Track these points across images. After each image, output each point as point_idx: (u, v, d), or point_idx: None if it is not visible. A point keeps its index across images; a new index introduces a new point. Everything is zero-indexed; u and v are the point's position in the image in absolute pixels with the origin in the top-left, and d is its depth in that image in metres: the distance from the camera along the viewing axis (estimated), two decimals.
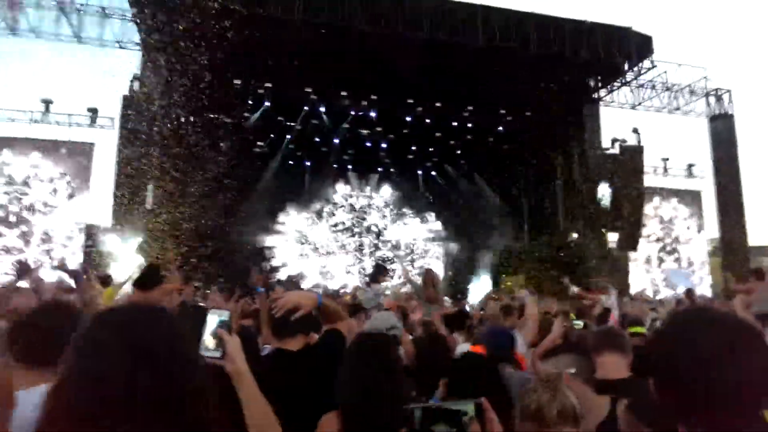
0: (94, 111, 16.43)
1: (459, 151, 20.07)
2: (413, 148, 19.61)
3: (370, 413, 1.82)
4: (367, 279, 7.58)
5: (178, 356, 1.01)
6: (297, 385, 2.18)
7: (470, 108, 17.96)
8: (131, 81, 15.02)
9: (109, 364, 0.94)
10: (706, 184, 20.92)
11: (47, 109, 16.24)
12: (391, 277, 8.35)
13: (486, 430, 1.18)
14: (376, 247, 19.75)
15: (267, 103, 16.82)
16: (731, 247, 18.96)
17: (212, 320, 1.69)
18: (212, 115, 14.92)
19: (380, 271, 7.07)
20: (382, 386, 1.85)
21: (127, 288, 8.49)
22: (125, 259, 12.96)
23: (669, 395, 1.05)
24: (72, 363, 0.98)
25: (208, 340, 1.70)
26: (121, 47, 15.31)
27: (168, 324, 1.06)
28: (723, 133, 19.83)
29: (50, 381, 1.69)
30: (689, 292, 10.34)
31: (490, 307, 7.71)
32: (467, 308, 8.32)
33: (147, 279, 5.18)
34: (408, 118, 18.16)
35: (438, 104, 17.37)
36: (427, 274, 7.16)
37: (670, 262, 19.69)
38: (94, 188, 15.90)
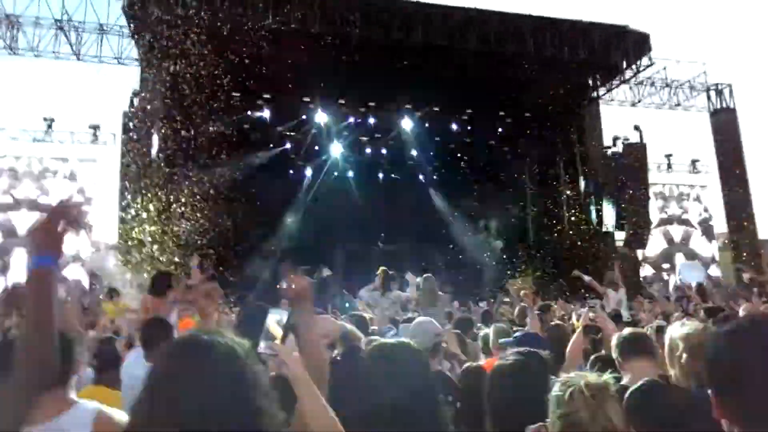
0: (95, 127, 16.57)
1: (459, 154, 20.01)
2: (413, 153, 19.57)
3: None
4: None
5: (246, 379, 1.09)
6: None
7: (469, 111, 17.94)
8: (131, 97, 15.13)
9: (196, 398, 1.00)
10: (711, 179, 20.79)
11: (50, 127, 16.38)
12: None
13: None
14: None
15: (267, 113, 16.88)
16: (741, 240, 18.75)
17: (272, 318, 1.75)
18: (212, 128, 14.97)
19: (392, 279, 7.06)
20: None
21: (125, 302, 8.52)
22: (129, 276, 12.98)
23: (732, 406, 1.03)
24: (158, 393, 1.05)
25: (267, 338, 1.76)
26: (120, 63, 15.45)
27: (230, 348, 1.11)
28: (726, 128, 19.71)
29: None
30: (699, 288, 10.20)
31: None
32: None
33: (159, 285, 5.18)
34: (407, 123, 18.14)
35: (436, 109, 17.36)
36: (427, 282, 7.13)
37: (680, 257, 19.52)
38: (97, 204, 15.97)
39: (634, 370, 2.59)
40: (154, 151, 14.12)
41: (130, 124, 14.73)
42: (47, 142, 16.47)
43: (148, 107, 14.45)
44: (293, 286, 1.87)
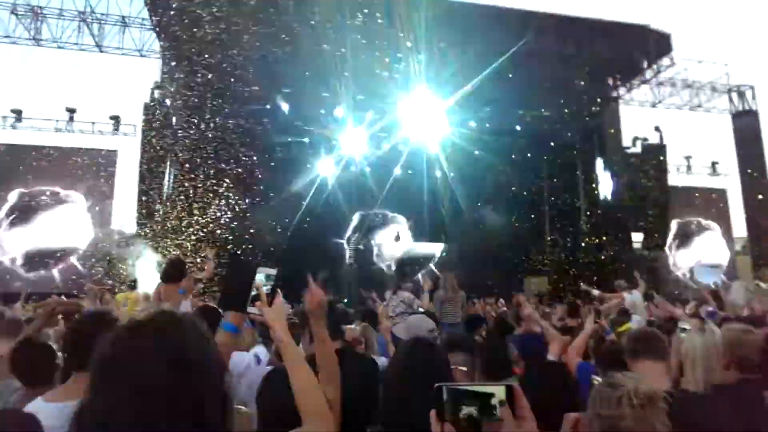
0: (116, 119, 16.72)
1: (477, 152, 19.91)
2: (431, 150, 19.52)
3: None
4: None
5: (211, 365, 1.02)
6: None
7: (487, 109, 17.84)
8: (152, 89, 15.26)
9: (151, 378, 0.93)
10: (731, 182, 20.52)
11: (71, 118, 16.55)
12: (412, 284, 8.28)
13: (516, 415, 1.06)
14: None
15: (286, 108, 16.91)
16: (761, 244, 18.52)
17: (260, 278, 1.69)
18: (231, 122, 15.05)
19: (404, 279, 7.10)
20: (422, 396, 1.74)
21: (144, 291, 8.60)
22: (149, 264, 13.11)
23: None
24: (109, 375, 0.96)
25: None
26: (141, 56, 15.58)
27: (198, 332, 1.06)
28: (747, 130, 19.46)
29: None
30: (715, 291, 10.05)
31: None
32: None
33: (172, 272, 5.25)
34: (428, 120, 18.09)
35: (456, 105, 17.28)
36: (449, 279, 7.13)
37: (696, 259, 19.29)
38: (118, 194, 16.14)
39: (642, 371, 2.48)
40: (173, 143, 14.24)
41: (151, 115, 14.85)
42: (69, 132, 16.65)
43: (169, 100, 14.59)
44: (311, 298, 1.87)
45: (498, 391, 1.08)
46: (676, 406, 2.07)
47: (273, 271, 1.72)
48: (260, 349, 3.92)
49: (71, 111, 16.59)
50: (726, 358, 2.60)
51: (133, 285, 9.53)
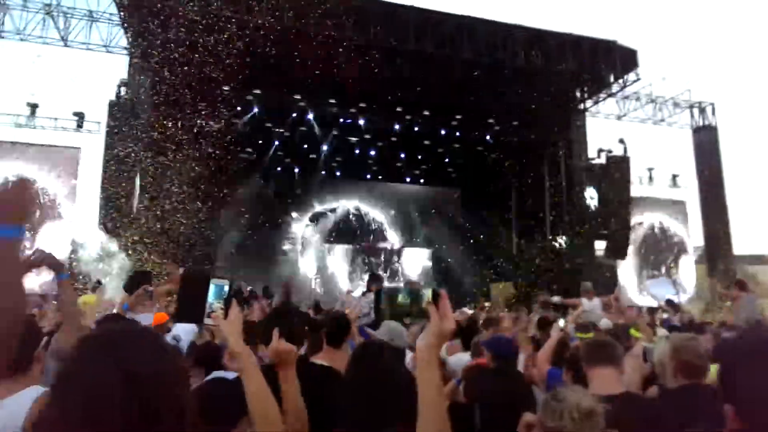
0: (80, 115, 16.30)
1: (447, 160, 20.16)
2: (402, 155, 19.67)
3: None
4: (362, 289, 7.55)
5: (168, 377, 1.02)
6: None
7: (458, 117, 18.07)
8: (118, 86, 14.92)
9: (105, 390, 0.94)
10: (690, 194, 21.23)
11: (33, 113, 16.07)
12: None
13: (440, 314, 1.30)
14: (368, 255, 19.78)
15: (255, 110, 16.79)
16: (716, 254, 19.19)
17: (213, 289, 1.72)
18: (199, 122, 14.84)
19: (373, 281, 7.09)
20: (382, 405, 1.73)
21: (110, 296, 8.44)
22: (111, 264, 12.83)
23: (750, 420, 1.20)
24: (65, 388, 0.97)
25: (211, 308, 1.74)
26: (108, 51, 15.23)
27: (156, 344, 1.07)
28: (707, 145, 20.16)
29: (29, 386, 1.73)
30: (670, 302, 10.43)
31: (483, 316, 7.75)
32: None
33: (132, 284, 5.20)
34: (396, 127, 18.22)
35: (426, 113, 17.46)
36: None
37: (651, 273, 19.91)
38: (81, 193, 15.75)
39: (598, 378, 2.62)
40: (139, 143, 13.96)
41: (116, 113, 14.52)
42: (30, 127, 16.16)
43: (135, 98, 14.30)
44: (276, 350, 1.83)
45: (427, 293, 1.33)
46: (623, 408, 2.18)
47: (225, 283, 1.76)
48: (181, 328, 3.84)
49: (33, 106, 16.12)
50: (672, 364, 2.72)
51: (96, 287, 9.30)
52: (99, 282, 9.17)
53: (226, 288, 1.75)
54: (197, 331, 4.23)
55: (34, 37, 14.92)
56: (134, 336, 1.06)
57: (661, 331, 6.60)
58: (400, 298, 1.35)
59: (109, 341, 1.03)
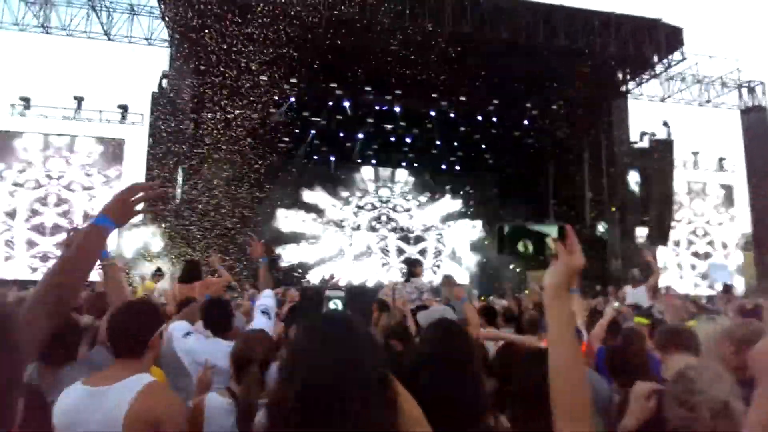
0: (124, 108, 16.75)
1: (484, 146, 19.93)
2: (438, 142, 19.55)
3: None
4: (402, 275, 7.53)
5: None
6: None
7: (495, 102, 17.81)
8: (160, 78, 15.24)
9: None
10: (738, 178, 20.46)
11: (79, 106, 16.59)
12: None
13: (567, 250, 1.26)
14: (405, 241, 19.82)
15: (292, 99, 16.91)
16: (764, 241, 18.50)
17: (329, 303, 1.76)
18: (238, 111, 15.06)
19: (416, 265, 7.07)
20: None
21: (165, 284, 8.68)
22: (154, 255, 13.19)
23: None
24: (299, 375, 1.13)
25: None
26: (149, 44, 15.54)
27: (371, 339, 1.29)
28: (756, 126, 19.33)
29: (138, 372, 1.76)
30: (727, 288, 10.12)
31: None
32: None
33: (188, 274, 5.36)
34: (432, 113, 18.10)
35: (463, 98, 17.25)
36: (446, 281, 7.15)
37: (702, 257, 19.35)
38: (125, 183, 16.20)
39: (674, 363, 2.52)
40: (181, 134, 14.27)
41: (159, 105, 14.85)
42: (77, 120, 16.70)
43: (177, 89, 14.58)
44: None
45: (552, 230, 1.28)
46: None
47: (341, 293, 1.80)
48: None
49: (79, 99, 16.62)
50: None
51: (157, 273, 9.43)
52: (159, 270, 9.41)
53: (342, 297, 1.82)
54: None
55: (79, 32, 15.33)
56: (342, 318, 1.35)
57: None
58: (528, 238, 1.30)
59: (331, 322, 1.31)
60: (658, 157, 17.99)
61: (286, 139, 17.33)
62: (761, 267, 17.85)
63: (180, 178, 14.43)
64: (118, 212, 1.43)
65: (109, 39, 15.56)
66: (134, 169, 16.15)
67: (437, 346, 1.90)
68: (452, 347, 1.86)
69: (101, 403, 1.79)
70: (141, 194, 1.48)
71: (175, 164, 13.93)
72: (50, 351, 2.24)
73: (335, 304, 1.82)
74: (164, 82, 15.05)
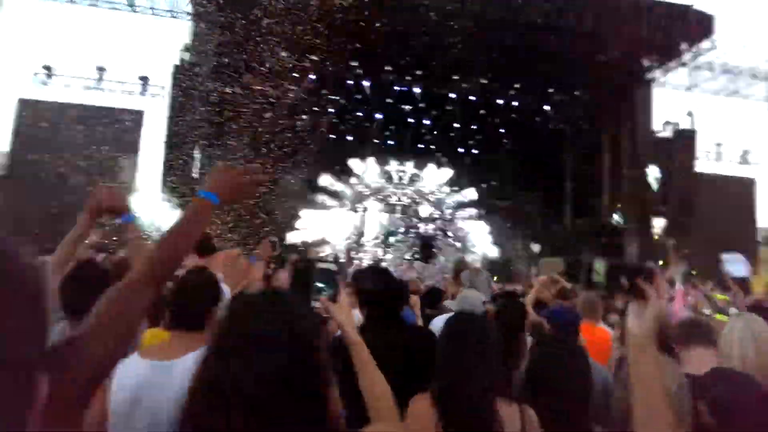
0: (145, 79, 16.81)
1: (503, 130, 19.73)
2: (456, 125, 19.39)
3: (462, 398, 1.78)
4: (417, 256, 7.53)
5: (318, 343, 1.02)
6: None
7: (517, 86, 17.58)
8: (182, 51, 15.25)
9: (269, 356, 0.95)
10: (762, 172, 20.08)
11: (101, 77, 16.68)
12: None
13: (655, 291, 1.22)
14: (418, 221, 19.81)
15: (312, 77, 16.81)
16: None
17: (320, 275, 1.68)
18: (258, 87, 15.02)
19: (433, 246, 7.11)
20: (476, 370, 1.80)
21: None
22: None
23: None
24: (226, 351, 0.99)
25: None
26: (173, 17, 15.53)
27: (309, 311, 1.10)
28: None
29: (201, 346, 1.78)
30: (743, 282, 9.95)
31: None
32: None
33: (205, 246, 5.41)
34: (452, 95, 17.92)
35: (483, 81, 17.04)
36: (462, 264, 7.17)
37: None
38: (143, 156, 16.36)
39: (695, 359, 2.50)
40: (201, 108, 14.31)
41: (180, 78, 14.88)
42: (98, 90, 16.81)
43: (198, 63, 14.58)
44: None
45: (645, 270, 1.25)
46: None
47: (333, 266, 1.73)
48: None
49: (101, 70, 16.71)
50: None
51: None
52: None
53: (334, 272, 1.68)
54: None
55: (103, 1, 15.36)
56: (289, 303, 1.07)
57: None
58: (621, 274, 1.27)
59: (255, 305, 1.06)
60: (681, 147, 17.69)
61: (305, 117, 17.28)
62: None
63: (198, 155, 14.51)
64: (226, 191, 1.37)
65: (133, 10, 15.58)
66: (153, 141, 16.28)
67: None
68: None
69: (169, 378, 1.70)
70: (250, 177, 1.42)
71: (192, 139, 13.97)
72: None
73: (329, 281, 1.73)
74: (186, 55, 15.06)
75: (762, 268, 19.71)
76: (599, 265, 1.31)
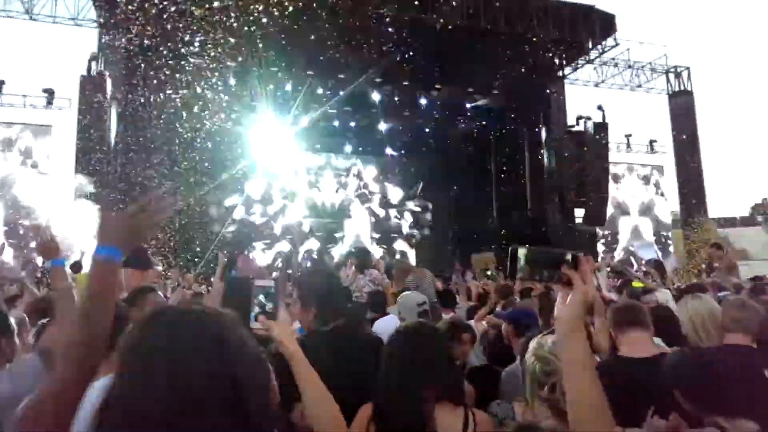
0: (50, 92, 15.78)
1: (427, 130, 20.09)
2: (381, 127, 19.52)
3: (398, 414, 1.79)
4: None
5: (248, 357, 0.97)
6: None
7: (438, 87, 17.93)
8: (89, 60, 14.44)
9: (187, 373, 0.89)
10: (667, 159, 21.59)
11: (0, 90, 15.52)
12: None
13: (580, 277, 1.22)
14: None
15: (232, 81, 16.42)
16: (692, 219, 19.62)
17: (258, 292, 1.67)
18: (174, 95, 14.49)
19: (368, 256, 7.11)
20: (413, 385, 1.82)
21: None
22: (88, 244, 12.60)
23: None
24: (136, 370, 0.92)
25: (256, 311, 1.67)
26: (76, 25, 14.68)
27: (234, 325, 1.01)
28: (683, 110, 20.40)
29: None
30: (657, 264, 10.60)
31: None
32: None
33: (142, 258, 5.10)
34: (376, 97, 18.02)
35: (406, 83, 17.27)
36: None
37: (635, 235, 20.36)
38: (54, 171, 15.35)
39: (631, 341, 2.59)
40: (113, 119, 13.61)
41: (88, 88, 14.07)
42: None
43: (107, 72, 13.87)
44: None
45: (568, 256, 1.25)
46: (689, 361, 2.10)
47: (270, 284, 1.70)
48: None
49: None
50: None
51: (76, 266, 9.10)
52: (76, 263, 8.97)
53: (272, 288, 1.68)
54: None
55: None
56: (208, 317, 1.00)
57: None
58: (543, 262, 1.27)
59: (165, 315, 1.00)
60: (594, 139, 18.67)
61: (229, 124, 16.84)
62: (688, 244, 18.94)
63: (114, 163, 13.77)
64: (126, 239, 1.20)
65: (32, 18, 14.60)
66: (61, 155, 15.32)
67: None
68: None
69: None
70: (146, 213, 1.24)
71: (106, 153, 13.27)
72: None
73: (268, 296, 1.72)
74: (93, 64, 14.27)
75: (673, 249, 21.27)
76: (522, 253, 1.29)
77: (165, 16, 12.79)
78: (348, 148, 20.23)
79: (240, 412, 0.90)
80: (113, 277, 1.20)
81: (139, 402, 0.88)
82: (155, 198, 1.29)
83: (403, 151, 20.54)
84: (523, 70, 16.93)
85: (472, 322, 4.65)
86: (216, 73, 15.99)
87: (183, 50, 13.35)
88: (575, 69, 19.02)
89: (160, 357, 0.91)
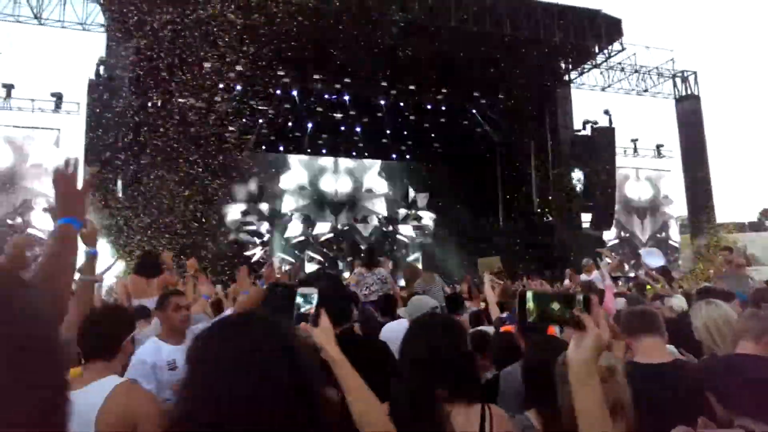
0: (58, 96, 15.90)
1: (433, 135, 20.09)
2: (387, 131, 19.55)
3: (407, 409, 1.76)
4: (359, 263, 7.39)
5: (311, 364, 1.03)
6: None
7: (444, 91, 17.94)
8: (97, 64, 14.53)
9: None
10: (674, 164, 21.48)
11: (9, 94, 15.64)
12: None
13: (594, 322, 1.20)
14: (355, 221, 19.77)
15: (239, 87, 16.47)
16: (700, 223, 19.48)
17: (299, 299, 1.66)
18: (182, 100, 14.54)
19: (375, 254, 7.06)
20: (426, 385, 1.80)
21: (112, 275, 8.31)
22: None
23: None
24: (207, 379, 0.95)
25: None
26: (84, 29, 14.79)
27: (292, 335, 1.07)
28: (689, 114, 20.29)
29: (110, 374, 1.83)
30: (664, 270, 10.52)
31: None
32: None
33: (150, 266, 5.09)
34: (382, 101, 18.06)
35: (412, 87, 17.30)
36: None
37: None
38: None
39: (644, 347, 2.55)
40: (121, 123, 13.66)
41: (96, 93, 14.15)
42: (6, 109, 15.75)
43: (115, 76, 13.94)
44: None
45: (579, 298, 1.22)
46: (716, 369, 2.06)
47: (313, 291, 1.68)
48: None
49: (9, 87, 15.68)
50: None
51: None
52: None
53: (315, 296, 1.66)
54: None
55: (5, 15, 14.43)
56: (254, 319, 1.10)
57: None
58: (553, 304, 1.23)
59: (236, 326, 1.08)
60: (600, 144, 18.61)
61: (232, 128, 16.89)
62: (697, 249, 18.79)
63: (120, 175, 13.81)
64: (74, 208, 1.38)
65: (40, 23, 14.72)
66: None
67: None
68: None
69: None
70: (81, 185, 1.43)
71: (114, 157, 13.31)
72: None
73: (308, 302, 1.72)
74: (101, 68, 14.36)
75: (681, 254, 21.14)
76: (530, 295, 1.26)
77: (172, 20, 12.84)
78: (353, 152, 20.26)
79: (308, 417, 0.94)
80: (73, 242, 1.37)
81: (213, 414, 0.90)
82: (94, 176, 1.52)
83: (408, 156, 20.57)
84: (529, 74, 16.92)
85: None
86: (223, 77, 16.08)
87: (190, 56, 13.38)
88: (582, 73, 18.99)
89: (237, 368, 0.94)
